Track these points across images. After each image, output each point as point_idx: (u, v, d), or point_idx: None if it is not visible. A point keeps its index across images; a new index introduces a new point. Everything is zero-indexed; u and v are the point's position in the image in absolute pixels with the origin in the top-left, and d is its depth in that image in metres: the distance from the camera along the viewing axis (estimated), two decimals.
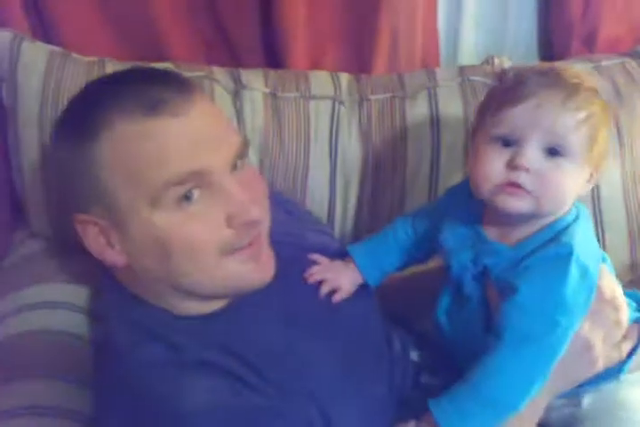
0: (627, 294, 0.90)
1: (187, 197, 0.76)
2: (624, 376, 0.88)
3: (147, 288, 0.83)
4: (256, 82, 1.20)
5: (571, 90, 0.78)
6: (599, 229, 1.19)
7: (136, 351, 0.81)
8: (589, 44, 1.46)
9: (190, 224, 0.77)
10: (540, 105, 0.77)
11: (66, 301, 0.96)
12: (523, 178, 0.78)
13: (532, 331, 0.77)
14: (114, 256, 0.80)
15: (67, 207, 0.84)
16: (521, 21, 1.48)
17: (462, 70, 1.25)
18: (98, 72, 1.12)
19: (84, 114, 0.78)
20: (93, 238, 0.80)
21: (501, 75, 1.22)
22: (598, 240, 1.18)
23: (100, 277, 0.89)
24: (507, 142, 0.79)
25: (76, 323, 0.95)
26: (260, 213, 0.80)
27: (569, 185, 0.79)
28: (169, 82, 0.80)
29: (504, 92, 0.81)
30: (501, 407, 0.78)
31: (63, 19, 1.21)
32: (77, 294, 0.97)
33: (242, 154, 0.82)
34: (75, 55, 1.15)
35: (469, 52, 1.46)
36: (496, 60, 1.27)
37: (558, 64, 0.97)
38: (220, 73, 1.20)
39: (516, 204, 0.79)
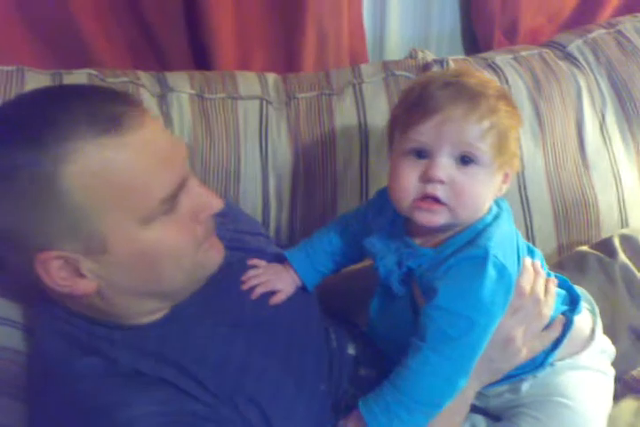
0: (558, 283, 0.93)
1: (172, 208, 0.77)
2: (559, 363, 0.91)
3: (88, 304, 0.81)
4: (182, 84, 1.19)
5: (473, 101, 0.79)
6: (526, 214, 1.23)
7: (70, 364, 0.80)
8: (511, 36, 1.50)
9: (172, 231, 0.77)
10: (444, 121, 0.79)
11: (1, 316, 0.94)
12: (438, 190, 0.79)
13: (451, 331, 0.79)
14: (84, 285, 0.77)
15: (14, 254, 0.78)
16: (444, 15, 1.52)
17: (386, 65, 1.27)
18: (17, 82, 1.09)
19: (35, 144, 0.72)
20: (57, 273, 0.76)
21: (425, 68, 1.26)
22: (526, 225, 1.22)
23: (32, 291, 0.87)
24: (419, 154, 0.81)
25: (10, 337, 0.93)
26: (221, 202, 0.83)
27: (483, 192, 0.81)
28: (113, 96, 0.78)
29: (409, 109, 0.82)
30: (426, 406, 0.80)
31: None
32: (13, 309, 0.95)
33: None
34: None
35: (396, 47, 1.49)
36: (419, 54, 1.29)
37: (465, 69, 0.97)
38: (144, 77, 1.20)
39: (433, 219, 0.81)
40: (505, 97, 0.83)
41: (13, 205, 0.73)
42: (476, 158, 0.80)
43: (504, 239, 0.83)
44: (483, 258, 0.80)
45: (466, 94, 0.80)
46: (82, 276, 0.77)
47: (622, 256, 1.13)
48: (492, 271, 0.79)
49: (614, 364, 0.96)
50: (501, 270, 0.80)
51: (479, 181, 0.80)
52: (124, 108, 0.75)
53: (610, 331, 0.98)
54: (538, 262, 0.90)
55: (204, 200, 0.81)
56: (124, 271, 0.77)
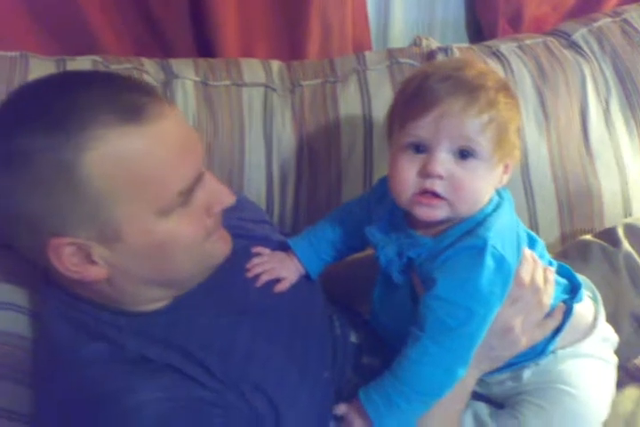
0: (559, 271, 0.93)
1: (188, 201, 0.77)
2: (561, 351, 0.91)
3: (96, 290, 0.81)
4: (186, 71, 1.19)
5: (473, 94, 0.78)
6: (530, 202, 1.23)
7: (77, 350, 0.80)
8: (515, 24, 1.49)
9: (185, 223, 0.78)
10: (443, 115, 0.78)
11: (6, 301, 0.94)
12: (437, 185, 0.79)
13: (450, 321, 0.79)
14: (95, 272, 0.77)
15: (27, 238, 0.77)
16: (449, 2, 1.51)
17: (391, 53, 1.26)
18: (20, 68, 1.09)
19: (56, 130, 0.71)
20: (68, 259, 0.76)
21: (429, 56, 1.25)
22: (529, 213, 1.22)
23: (37, 276, 0.88)
24: (417, 149, 0.80)
25: (15, 322, 0.93)
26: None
27: (483, 186, 0.81)
28: (135, 85, 0.78)
29: (407, 101, 0.82)
30: (426, 396, 0.81)
31: None
32: (18, 293, 0.95)
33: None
34: None
35: (400, 34, 1.48)
36: (424, 42, 1.28)
37: (465, 60, 0.96)
38: (149, 64, 1.19)
39: (432, 213, 0.81)
40: (504, 88, 0.82)
41: (31, 190, 0.73)
42: (474, 153, 0.79)
43: (504, 230, 0.83)
44: (481, 248, 0.79)
45: (465, 87, 0.79)
46: (93, 262, 0.77)
47: (626, 245, 1.13)
48: (490, 262, 0.79)
49: (617, 352, 0.96)
50: (500, 261, 0.80)
51: (479, 176, 0.80)
52: (146, 97, 0.75)
53: (613, 319, 0.99)
54: (535, 254, 0.90)
55: (218, 195, 0.81)
56: (135, 259, 0.78)
